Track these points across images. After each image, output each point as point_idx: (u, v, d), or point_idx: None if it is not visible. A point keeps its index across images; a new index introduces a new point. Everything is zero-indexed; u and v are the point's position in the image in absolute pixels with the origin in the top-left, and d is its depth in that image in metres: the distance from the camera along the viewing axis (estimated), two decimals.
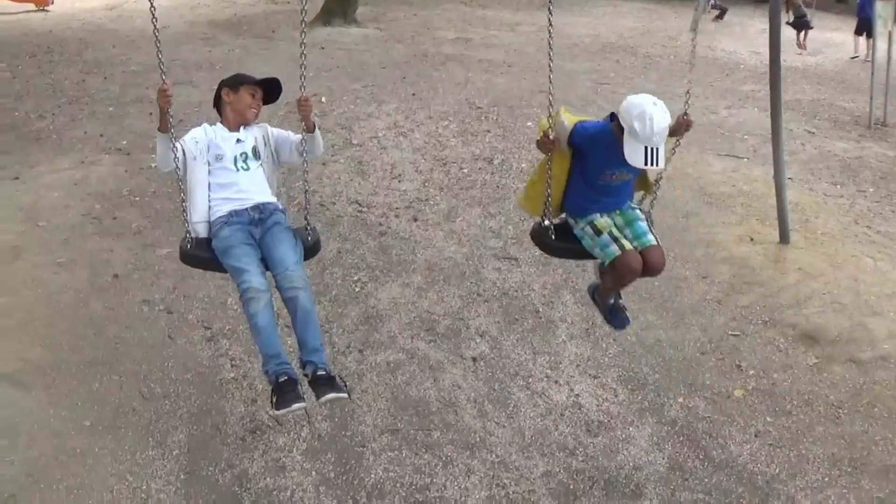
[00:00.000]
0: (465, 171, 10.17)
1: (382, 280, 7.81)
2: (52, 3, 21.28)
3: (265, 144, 4.89)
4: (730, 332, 7.33)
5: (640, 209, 5.02)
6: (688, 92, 4.91)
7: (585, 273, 8.02)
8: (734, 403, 6.52)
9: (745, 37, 21.88)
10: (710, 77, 16.32)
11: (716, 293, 7.86)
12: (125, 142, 10.42)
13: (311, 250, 4.84)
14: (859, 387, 6.61)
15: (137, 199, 8.93)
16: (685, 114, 4.83)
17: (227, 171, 4.74)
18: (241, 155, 4.78)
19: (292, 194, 8.18)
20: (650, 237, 4.83)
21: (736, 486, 5.72)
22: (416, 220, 8.93)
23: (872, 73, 13.38)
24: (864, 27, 19.13)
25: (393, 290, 7.68)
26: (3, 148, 10.31)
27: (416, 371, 6.65)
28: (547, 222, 4.96)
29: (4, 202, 8.63)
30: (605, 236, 4.77)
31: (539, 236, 5.03)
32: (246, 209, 4.70)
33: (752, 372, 6.86)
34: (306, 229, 4.85)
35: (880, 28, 13.77)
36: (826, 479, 5.80)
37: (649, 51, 18.65)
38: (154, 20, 4.33)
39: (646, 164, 4.40)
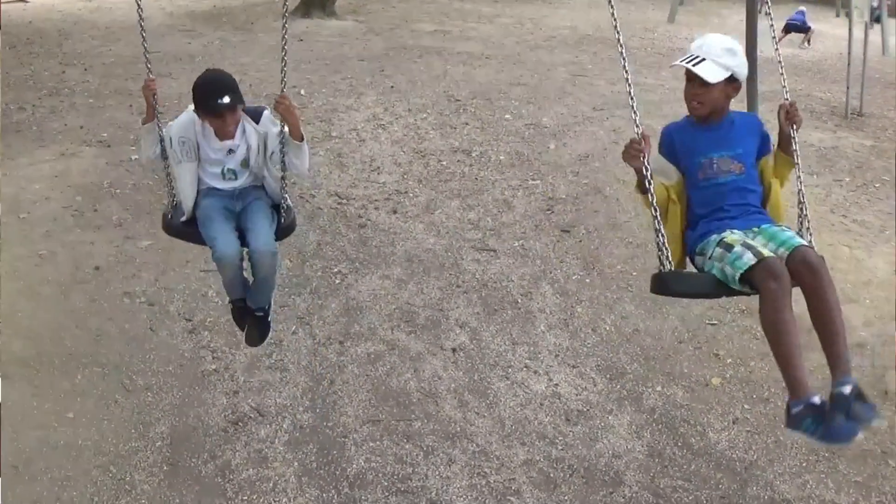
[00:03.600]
0: (444, 163, 10.20)
1: (362, 272, 7.85)
2: None
3: (258, 152, 4.61)
4: (707, 322, 7.41)
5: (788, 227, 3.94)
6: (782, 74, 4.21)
7: (563, 264, 8.09)
8: (712, 391, 6.60)
9: (723, 29, 21.93)
10: None
11: None
12: (105, 134, 10.35)
13: (286, 229, 4.74)
14: None
15: (118, 191, 8.91)
16: (786, 100, 4.06)
17: (215, 175, 4.63)
18: (228, 170, 4.61)
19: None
20: (797, 239, 3.76)
21: (715, 472, 5.80)
22: (395, 212, 8.97)
23: (849, 64, 13.46)
24: (791, 29, 20.51)
25: (373, 281, 7.72)
26: None
27: (397, 362, 6.70)
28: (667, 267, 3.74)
29: None
30: (738, 248, 3.64)
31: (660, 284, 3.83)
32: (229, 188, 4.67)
33: (729, 360, 6.95)
34: (282, 208, 4.68)
35: (856, 18, 13.86)
36: (804, 465, 5.89)
37: (627, 43, 18.60)
38: (140, 10, 4.38)
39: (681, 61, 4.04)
